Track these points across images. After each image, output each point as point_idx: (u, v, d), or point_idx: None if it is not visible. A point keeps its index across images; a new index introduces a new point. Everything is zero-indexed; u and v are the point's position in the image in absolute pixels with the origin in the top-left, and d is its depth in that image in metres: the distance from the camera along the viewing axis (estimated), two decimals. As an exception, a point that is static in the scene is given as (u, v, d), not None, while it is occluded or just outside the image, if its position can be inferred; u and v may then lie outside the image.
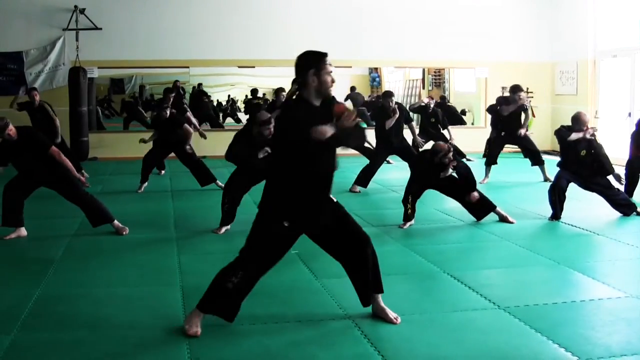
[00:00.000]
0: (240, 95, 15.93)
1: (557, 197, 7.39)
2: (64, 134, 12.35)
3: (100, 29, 12.87)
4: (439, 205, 8.23)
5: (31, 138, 6.52)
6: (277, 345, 3.86)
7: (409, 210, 7.13)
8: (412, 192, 7.19)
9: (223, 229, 6.90)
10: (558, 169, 7.59)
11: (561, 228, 7.10)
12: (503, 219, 7.27)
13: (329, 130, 3.69)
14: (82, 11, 12.83)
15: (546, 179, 10.30)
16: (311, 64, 3.90)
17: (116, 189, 9.54)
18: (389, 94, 9.81)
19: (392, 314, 4.22)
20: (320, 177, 3.96)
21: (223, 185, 9.29)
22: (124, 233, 6.69)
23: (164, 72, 14.27)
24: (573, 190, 7.52)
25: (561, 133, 7.49)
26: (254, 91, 14.67)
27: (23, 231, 6.64)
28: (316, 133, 3.67)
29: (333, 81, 3.95)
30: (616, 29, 13.22)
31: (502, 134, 10.62)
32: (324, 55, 3.95)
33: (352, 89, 16.00)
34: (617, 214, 7.53)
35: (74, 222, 7.16)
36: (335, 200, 4.13)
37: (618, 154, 12.98)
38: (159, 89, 14.90)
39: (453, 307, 4.55)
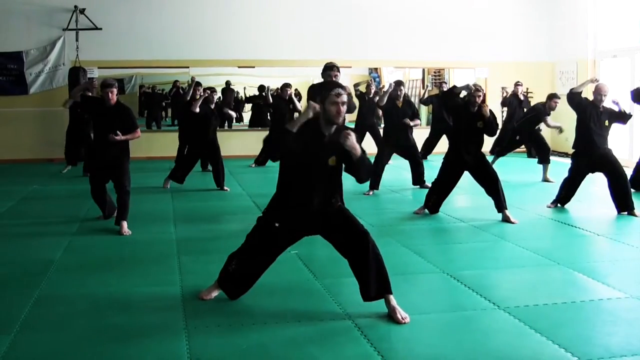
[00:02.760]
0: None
1: None
2: (64, 134, 12.37)
3: (100, 29, 12.86)
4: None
5: (126, 109, 6.91)
6: (276, 345, 3.85)
7: (430, 202, 7.52)
8: (440, 182, 7.49)
9: None
10: None
11: (561, 228, 7.10)
12: (506, 220, 7.26)
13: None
14: (82, 11, 12.83)
15: (545, 180, 10.29)
16: (317, 94, 4.30)
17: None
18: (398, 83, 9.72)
19: (400, 314, 4.21)
20: (307, 186, 4.29)
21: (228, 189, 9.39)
22: (126, 234, 6.69)
23: (164, 72, 14.25)
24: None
25: None
26: (261, 88, 14.51)
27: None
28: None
29: (338, 112, 4.15)
30: (616, 29, 13.21)
31: (517, 137, 10.57)
32: (332, 86, 4.33)
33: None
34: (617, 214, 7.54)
35: (73, 222, 7.16)
36: (339, 205, 4.38)
37: (617, 154, 12.98)
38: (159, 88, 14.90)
39: (453, 307, 4.56)
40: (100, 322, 4.22)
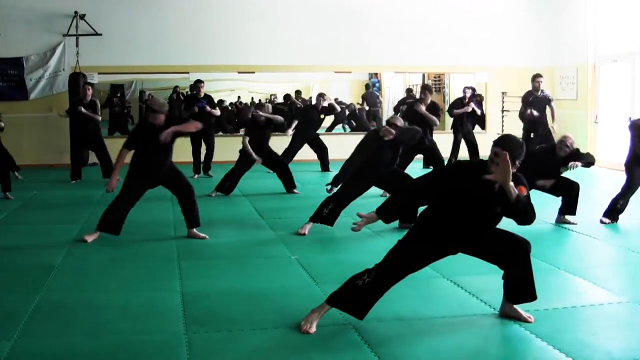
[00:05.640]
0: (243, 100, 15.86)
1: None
2: (65, 140, 12.38)
3: (100, 34, 12.88)
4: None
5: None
6: (276, 351, 3.85)
7: None
8: None
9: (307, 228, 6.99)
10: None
11: (561, 233, 7.10)
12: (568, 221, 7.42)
13: None
14: (82, 17, 12.84)
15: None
16: None
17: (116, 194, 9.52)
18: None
19: (525, 313, 4.31)
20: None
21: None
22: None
23: (164, 78, 14.27)
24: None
25: None
26: (287, 97, 14.58)
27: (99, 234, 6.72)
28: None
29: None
30: (616, 34, 13.22)
31: (532, 135, 10.46)
32: None
33: (367, 87, 15.93)
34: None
35: (73, 228, 7.16)
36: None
37: (618, 159, 13.00)
38: (161, 94, 14.91)
39: (453, 312, 4.55)
40: (100, 328, 4.21)
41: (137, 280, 5.36)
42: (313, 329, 4.11)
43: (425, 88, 10.18)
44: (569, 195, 7.34)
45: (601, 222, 7.44)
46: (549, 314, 4.46)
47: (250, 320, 4.34)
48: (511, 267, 4.28)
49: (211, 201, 9.13)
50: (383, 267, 4.19)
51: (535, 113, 10.26)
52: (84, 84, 11.43)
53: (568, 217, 7.42)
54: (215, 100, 12.07)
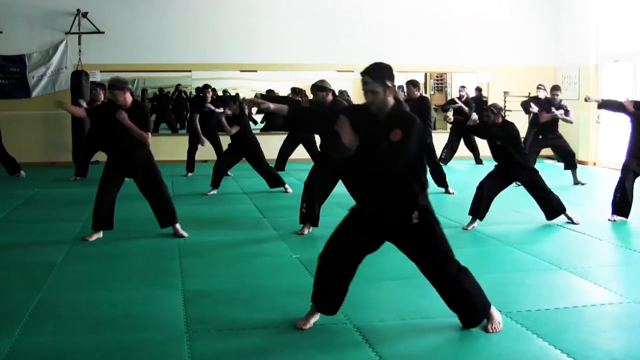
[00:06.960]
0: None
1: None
2: (66, 138, 12.41)
3: (103, 32, 12.88)
4: (439, 210, 8.22)
5: (141, 109, 6.49)
6: (278, 350, 3.85)
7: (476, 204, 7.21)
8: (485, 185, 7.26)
9: (306, 231, 6.98)
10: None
11: (563, 232, 7.09)
12: (570, 220, 7.38)
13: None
14: (85, 15, 12.84)
15: (577, 182, 10.21)
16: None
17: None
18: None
19: (491, 327, 4.12)
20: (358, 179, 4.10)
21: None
22: (184, 235, 6.73)
23: (166, 76, 14.28)
24: (574, 195, 7.51)
25: None
26: (298, 90, 14.53)
27: (101, 233, 6.68)
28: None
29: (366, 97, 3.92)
30: (618, 34, 13.21)
31: (540, 136, 10.52)
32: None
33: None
34: (619, 218, 7.52)
35: (75, 226, 7.16)
36: (415, 217, 4.01)
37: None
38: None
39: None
40: (102, 325, 4.22)
41: (138, 278, 5.36)
42: (307, 326, 4.14)
43: (411, 84, 9.67)
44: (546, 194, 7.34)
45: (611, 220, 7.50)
46: (550, 314, 4.46)
47: (251, 319, 4.34)
48: (429, 276, 4.15)
49: (212, 200, 9.13)
50: (325, 249, 4.14)
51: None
52: (96, 87, 11.14)
53: (570, 213, 7.36)
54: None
